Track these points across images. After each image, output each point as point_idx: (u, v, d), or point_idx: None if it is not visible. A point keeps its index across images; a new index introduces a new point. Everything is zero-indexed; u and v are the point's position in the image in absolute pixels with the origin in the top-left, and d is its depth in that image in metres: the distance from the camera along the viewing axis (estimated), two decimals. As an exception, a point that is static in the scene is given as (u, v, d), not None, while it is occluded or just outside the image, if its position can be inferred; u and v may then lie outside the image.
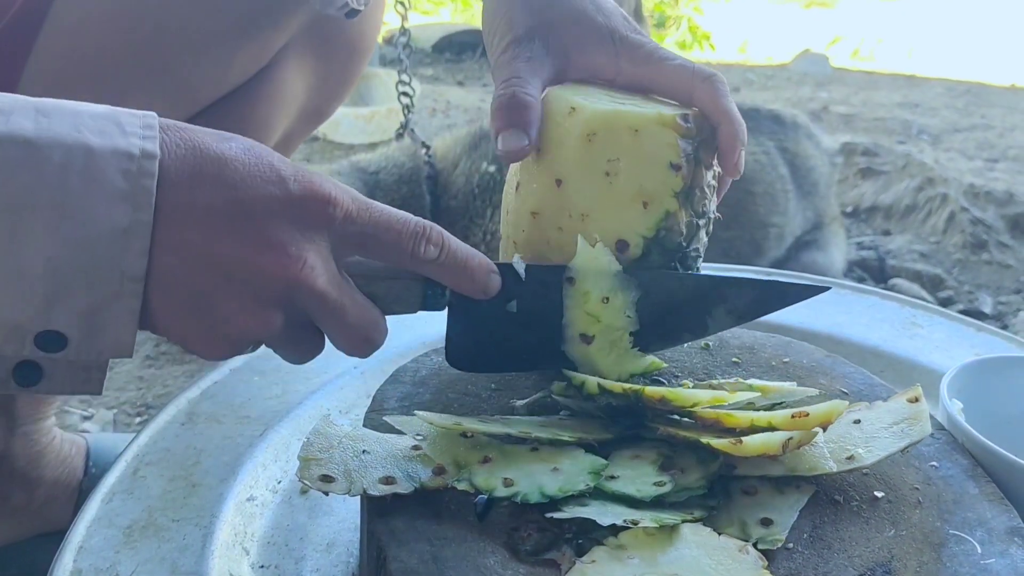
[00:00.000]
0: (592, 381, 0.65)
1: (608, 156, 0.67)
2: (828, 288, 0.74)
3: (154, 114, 0.56)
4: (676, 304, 0.70)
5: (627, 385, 0.64)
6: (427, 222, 0.63)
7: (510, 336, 0.69)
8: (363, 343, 0.63)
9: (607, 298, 0.68)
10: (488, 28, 0.77)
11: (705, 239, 0.72)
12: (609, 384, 0.65)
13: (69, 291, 0.52)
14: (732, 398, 0.64)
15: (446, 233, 0.64)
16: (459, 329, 0.68)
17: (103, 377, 0.61)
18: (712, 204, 0.72)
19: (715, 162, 0.71)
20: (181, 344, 0.58)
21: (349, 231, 0.59)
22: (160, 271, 0.54)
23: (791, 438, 0.59)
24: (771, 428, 0.60)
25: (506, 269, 0.67)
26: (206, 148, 0.55)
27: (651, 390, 0.63)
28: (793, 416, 0.60)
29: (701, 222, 0.71)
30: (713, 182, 0.71)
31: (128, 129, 0.53)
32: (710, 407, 0.63)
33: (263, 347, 0.86)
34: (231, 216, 0.55)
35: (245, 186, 0.56)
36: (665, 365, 0.72)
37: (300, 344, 0.63)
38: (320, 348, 0.64)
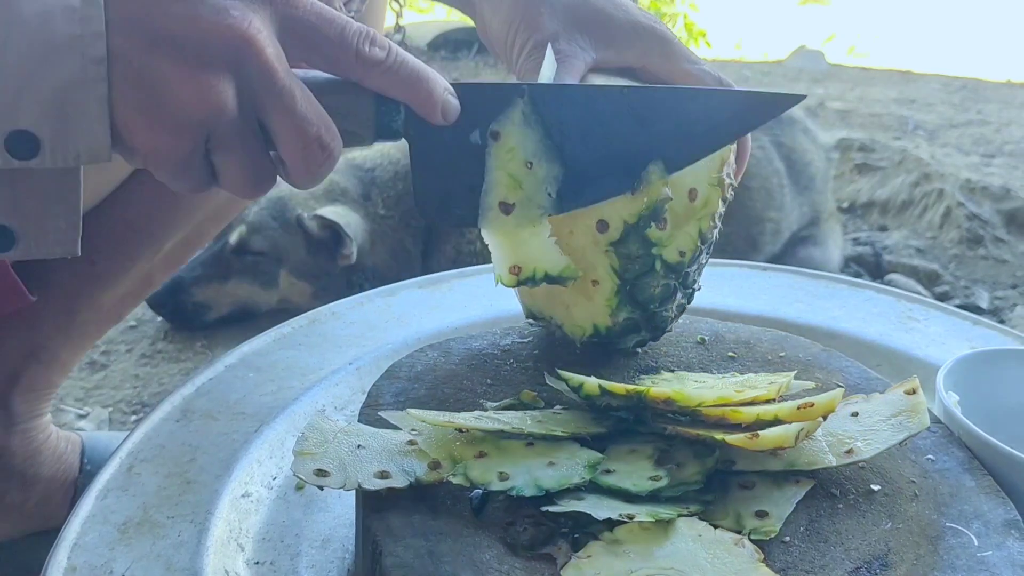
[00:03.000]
0: (592, 383, 0.64)
1: None
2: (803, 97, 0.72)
3: None
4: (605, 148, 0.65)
5: (630, 386, 0.63)
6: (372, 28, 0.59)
7: (478, 174, 0.63)
8: (315, 145, 0.58)
9: (531, 163, 0.64)
10: (500, 35, 0.77)
11: (698, 243, 0.71)
12: (610, 385, 0.64)
13: (33, 79, 0.52)
14: (738, 397, 0.64)
15: (395, 45, 0.60)
16: (423, 167, 0.63)
17: (77, 237, 0.59)
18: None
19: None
20: (140, 152, 0.56)
21: (291, 14, 0.57)
22: (115, 52, 0.53)
23: (802, 429, 0.59)
24: (778, 422, 0.60)
25: (466, 91, 0.62)
26: None
27: (656, 391, 0.62)
28: (799, 408, 0.60)
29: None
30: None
31: None
32: (715, 405, 0.62)
33: (260, 343, 0.85)
34: None
35: None
36: (580, 274, 0.68)
37: (248, 149, 0.58)
38: (272, 173, 0.60)
